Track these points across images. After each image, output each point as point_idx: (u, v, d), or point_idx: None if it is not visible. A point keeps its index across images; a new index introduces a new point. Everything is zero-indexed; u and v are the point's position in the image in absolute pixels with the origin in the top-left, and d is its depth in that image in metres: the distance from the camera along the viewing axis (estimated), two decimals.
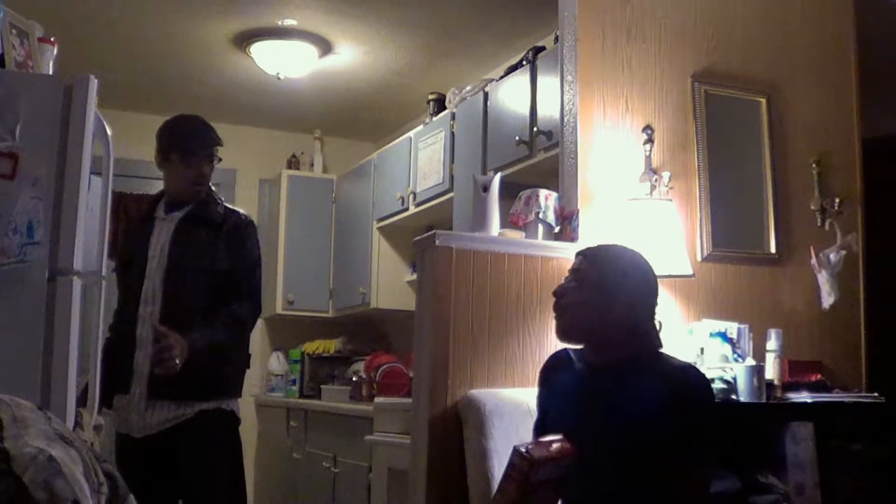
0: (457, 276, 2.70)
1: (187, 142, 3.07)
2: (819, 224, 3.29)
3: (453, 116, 4.34)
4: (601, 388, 2.18)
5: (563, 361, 2.35)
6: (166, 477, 2.93)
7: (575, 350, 2.34)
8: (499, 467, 2.44)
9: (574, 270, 2.25)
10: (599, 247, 2.32)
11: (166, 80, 5.05)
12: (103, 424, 2.46)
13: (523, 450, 2.05)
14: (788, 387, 2.88)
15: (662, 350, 2.25)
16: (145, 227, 3.07)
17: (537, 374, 2.44)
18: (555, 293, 2.27)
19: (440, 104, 4.67)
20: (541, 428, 2.34)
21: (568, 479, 2.08)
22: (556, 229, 2.98)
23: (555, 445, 2.09)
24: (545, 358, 2.78)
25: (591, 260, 2.24)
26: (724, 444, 2.31)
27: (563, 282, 2.28)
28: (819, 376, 3.02)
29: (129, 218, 3.00)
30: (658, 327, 2.30)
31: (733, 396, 2.69)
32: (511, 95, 3.85)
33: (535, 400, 2.42)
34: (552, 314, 2.28)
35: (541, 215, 2.95)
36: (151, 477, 2.90)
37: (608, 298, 2.17)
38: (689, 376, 2.15)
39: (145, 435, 2.91)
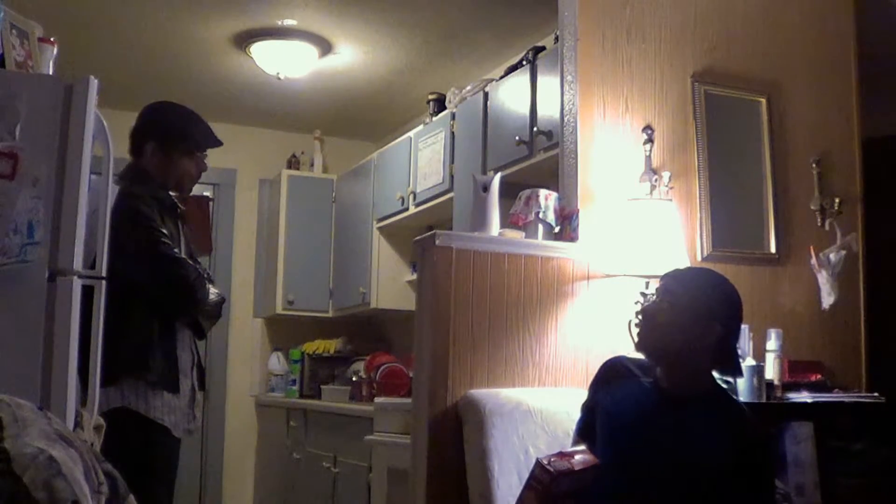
0: (457, 276, 2.70)
1: (198, 134, 3.00)
2: (819, 224, 3.29)
3: (453, 116, 4.34)
4: (672, 420, 2.17)
5: (623, 371, 2.34)
6: None
7: (634, 361, 2.34)
8: (499, 467, 2.45)
9: (666, 292, 2.25)
10: (690, 269, 2.36)
11: (166, 80, 5.05)
12: (103, 424, 2.44)
13: (545, 462, 2.06)
14: (788, 387, 2.88)
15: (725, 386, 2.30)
16: (172, 216, 2.95)
17: (539, 375, 2.45)
18: (644, 311, 2.28)
19: (440, 104, 4.67)
20: (584, 432, 2.34)
21: (590, 491, 2.09)
22: (556, 229, 2.98)
23: (578, 457, 2.09)
24: (545, 358, 2.80)
25: (684, 282, 2.25)
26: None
27: (653, 300, 2.29)
28: (819, 376, 3.02)
29: (139, 208, 2.83)
30: None
31: (733, 396, 2.70)
32: (511, 95, 3.85)
33: (584, 402, 2.41)
34: (637, 328, 2.32)
35: (541, 215, 2.95)
36: None
37: (703, 323, 2.18)
38: (758, 429, 2.21)
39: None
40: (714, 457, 2.10)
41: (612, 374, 2.35)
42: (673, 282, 2.26)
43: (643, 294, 2.60)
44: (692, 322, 2.17)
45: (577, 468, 2.07)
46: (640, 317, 2.30)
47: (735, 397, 2.39)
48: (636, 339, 2.30)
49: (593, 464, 2.10)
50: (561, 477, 2.04)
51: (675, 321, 2.18)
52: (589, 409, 2.38)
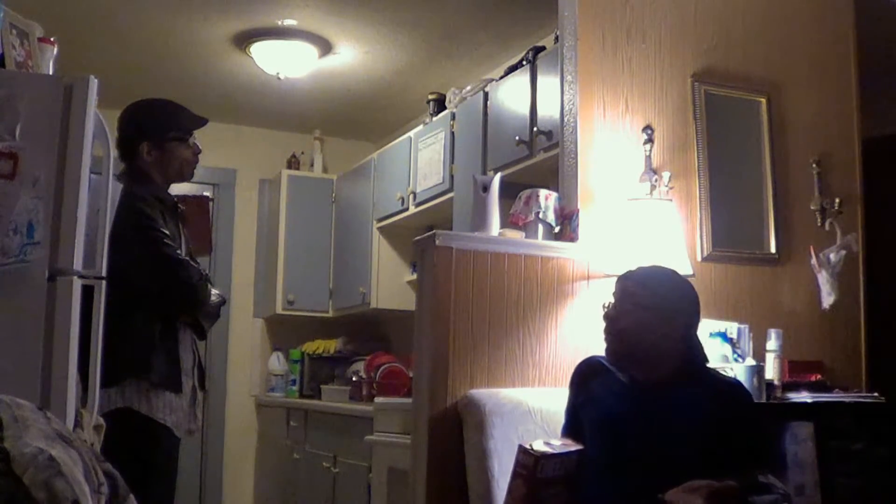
0: (457, 276, 2.70)
1: (184, 119, 2.98)
2: (819, 224, 3.29)
3: (453, 116, 4.34)
4: (656, 408, 2.19)
5: (598, 369, 2.35)
6: None
7: (608, 358, 2.35)
8: (499, 467, 2.44)
9: (627, 294, 2.26)
10: (642, 269, 2.34)
11: (166, 80, 5.05)
12: (103, 424, 2.44)
13: (527, 446, 2.07)
14: (788, 387, 2.88)
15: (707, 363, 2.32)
16: (173, 216, 2.93)
17: (539, 375, 2.44)
18: (608, 317, 2.28)
19: (440, 104, 4.67)
20: (570, 434, 2.34)
21: (578, 480, 2.09)
22: (556, 229, 2.99)
23: (559, 443, 2.09)
24: (545, 358, 2.80)
25: (641, 283, 2.27)
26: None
27: (612, 305, 2.29)
28: (819, 376, 3.02)
29: (143, 210, 2.82)
30: None
31: (714, 371, 2.69)
32: (511, 95, 3.85)
33: (566, 405, 2.42)
34: (602, 336, 2.30)
35: (541, 215, 2.95)
36: None
37: (668, 319, 2.21)
38: (741, 393, 2.26)
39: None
40: (702, 432, 2.12)
41: (588, 374, 2.37)
42: (631, 284, 2.28)
43: (604, 306, 2.57)
44: (657, 321, 2.20)
45: (559, 451, 2.08)
46: (604, 323, 2.30)
47: (716, 372, 2.39)
48: (605, 348, 2.30)
49: (577, 448, 2.10)
50: (544, 459, 2.05)
51: (640, 323, 2.21)
52: (572, 410, 2.39)
